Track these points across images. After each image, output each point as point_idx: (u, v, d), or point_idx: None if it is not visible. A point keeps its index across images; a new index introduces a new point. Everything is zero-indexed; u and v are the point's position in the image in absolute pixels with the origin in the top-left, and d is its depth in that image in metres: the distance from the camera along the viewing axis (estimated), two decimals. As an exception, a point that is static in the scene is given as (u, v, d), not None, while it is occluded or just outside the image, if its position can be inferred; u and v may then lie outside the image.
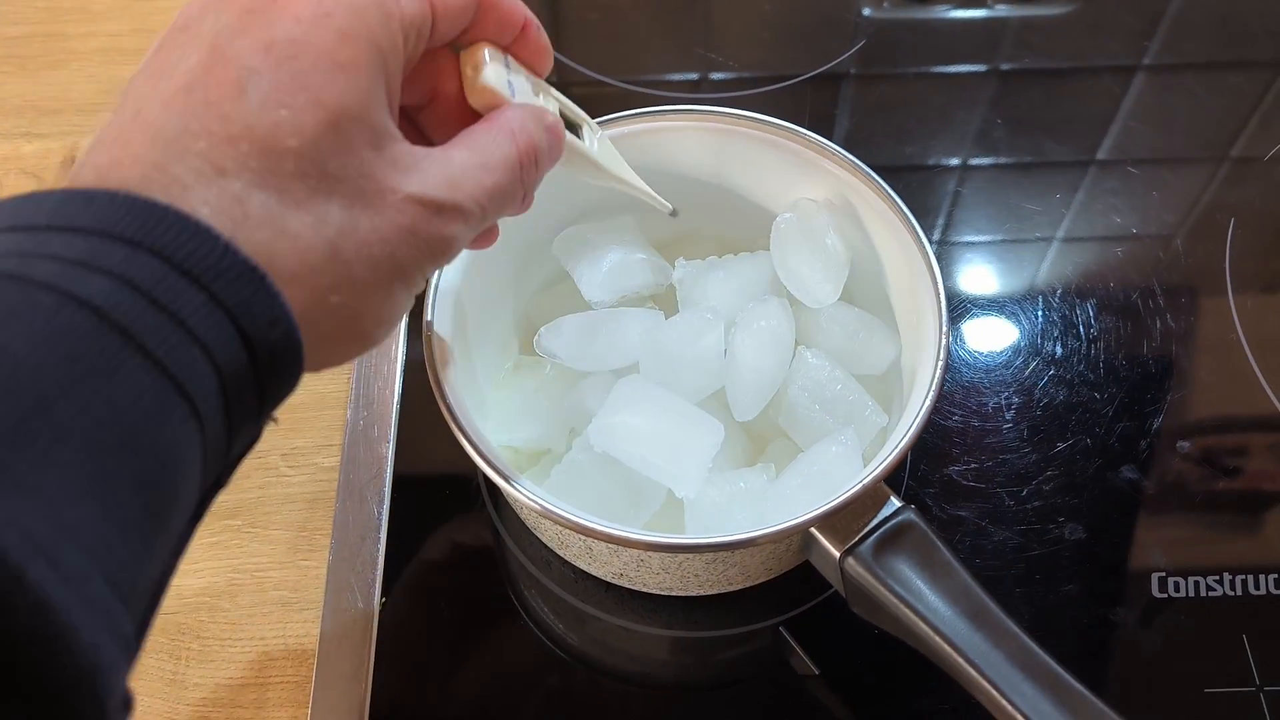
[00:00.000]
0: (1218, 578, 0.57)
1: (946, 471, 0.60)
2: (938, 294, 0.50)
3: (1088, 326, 0.65)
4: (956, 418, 0.62)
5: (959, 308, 0.66)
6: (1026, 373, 0.64)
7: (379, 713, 0.53)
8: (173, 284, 0.27)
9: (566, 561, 0.55)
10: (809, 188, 0.56)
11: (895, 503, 0.48)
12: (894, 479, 0.56)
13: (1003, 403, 0.62)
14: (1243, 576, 0.57)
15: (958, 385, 0.63)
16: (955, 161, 0.73)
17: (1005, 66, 0.79)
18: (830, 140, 0.55)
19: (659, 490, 0.50)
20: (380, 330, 0.34)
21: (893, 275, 0.55)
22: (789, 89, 0.76)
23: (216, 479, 0.30)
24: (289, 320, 0.29)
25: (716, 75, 0.78)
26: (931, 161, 0.73)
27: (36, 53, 0.76)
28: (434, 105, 0.40)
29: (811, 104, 0.76)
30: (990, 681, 0.43)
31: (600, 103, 0.77)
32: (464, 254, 0.49)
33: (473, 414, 0.48)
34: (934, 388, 0.48)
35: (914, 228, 0.52)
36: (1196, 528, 0.59)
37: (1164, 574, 0.57)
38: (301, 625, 0.56)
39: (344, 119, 0.31)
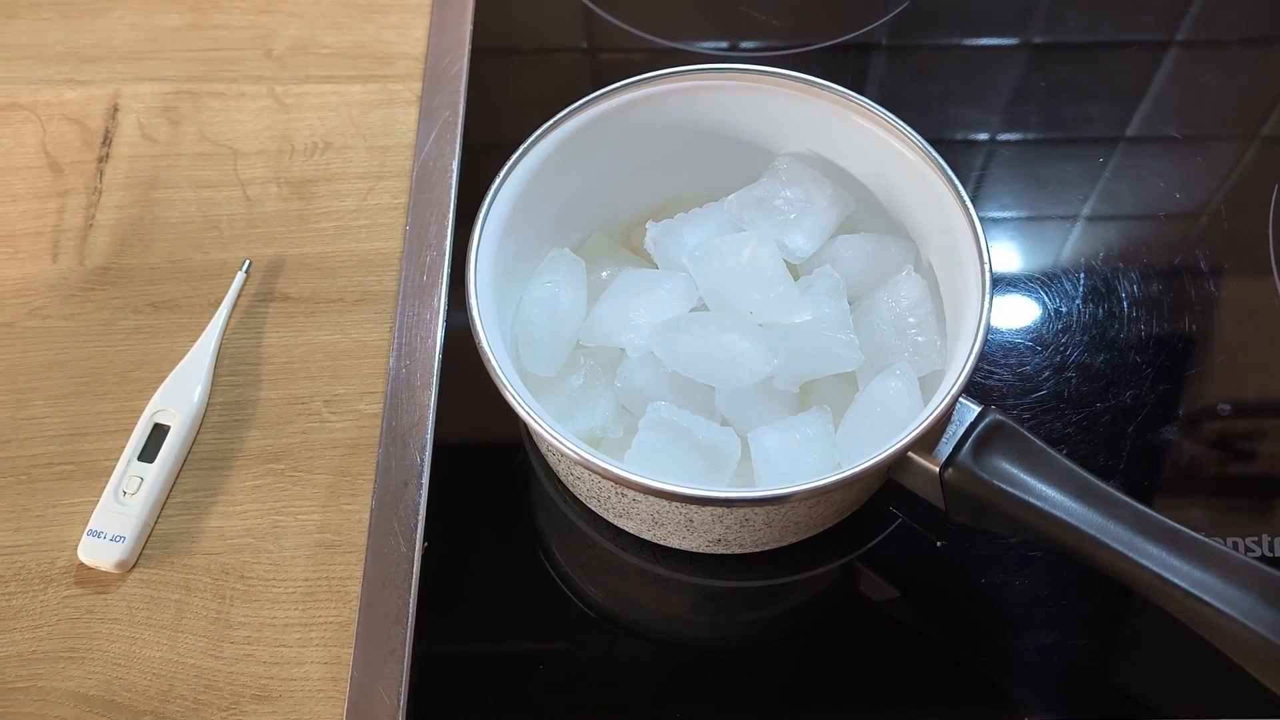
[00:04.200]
0: (1256, 539, 0.57)
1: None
2: (968, 212, 0.51)
3: (1129, 292, 0.65)
4: (996, 378, 0.62)
5: (999, 273, 0.67)
6: (1066, 336, 0.64)
7: (420, 655, 0.53)
8: None
9: (608, 509, 0.56)
10: (845, 148, 0.56)
11: (974, 406, 0.49)
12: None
13: (1043, 363, 0.63)
14: (1283, 538, 0.57)
15: (998, 346, 0.63)
16: (988, 133, 0.74)
17: (1038, 40, 0.79)
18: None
19: (733, 443, 0.50)
20: None
21: (921, 209, 0.55)
22: (820, 54, 0.76)
23: None
24: None
25: (746, 44, 0.78)
26: (966, 132, 0.73)
27: (78, 0, 0.76)
28: None
29: (842, 71, 0.76)
30: (1115, 551, 0.44)
31: (635, 62, 0.76)
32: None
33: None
34: (988, 292, 0.49)
35: (947, 174, 0.52)
36: (1235, 490, 0.59)
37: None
38: (344, 568, 0.56)
39: None
